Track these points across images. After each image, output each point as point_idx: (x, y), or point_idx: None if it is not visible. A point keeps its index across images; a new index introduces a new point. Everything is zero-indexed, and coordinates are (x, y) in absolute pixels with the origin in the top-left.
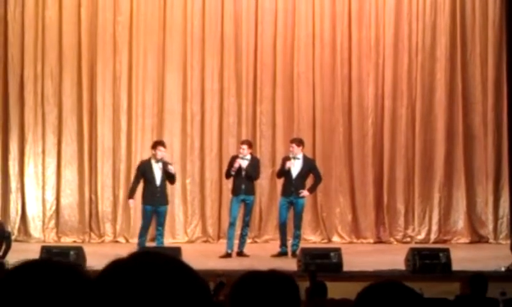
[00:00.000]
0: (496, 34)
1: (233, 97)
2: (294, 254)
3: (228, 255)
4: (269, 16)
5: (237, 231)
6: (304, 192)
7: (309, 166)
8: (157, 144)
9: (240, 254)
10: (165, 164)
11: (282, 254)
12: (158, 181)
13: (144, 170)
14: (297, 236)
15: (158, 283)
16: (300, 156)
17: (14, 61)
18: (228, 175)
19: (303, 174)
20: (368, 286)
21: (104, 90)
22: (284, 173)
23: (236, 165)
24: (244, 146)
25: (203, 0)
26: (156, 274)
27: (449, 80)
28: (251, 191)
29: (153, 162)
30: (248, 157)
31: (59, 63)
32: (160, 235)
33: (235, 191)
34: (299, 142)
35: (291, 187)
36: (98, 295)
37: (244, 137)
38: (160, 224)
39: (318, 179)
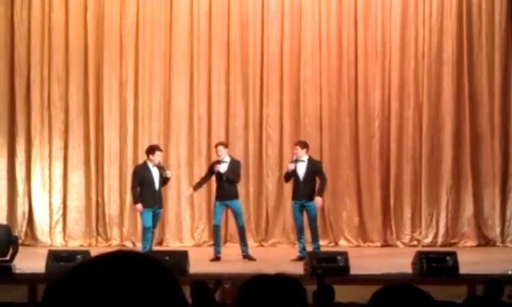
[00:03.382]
0: (502, 37)
1: (240, 101)
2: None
3: (217, 259)
4: (276, 19)
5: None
6: (318, 200)
7: (314, 168)
8: (155, 148)
9: (246, 257)
10: (162, 169)
11: (302, 258)
12: (157, 185)
13: (143, 174)
14: (316, 240)
15: (126, 281)
16: (305, 158)
17: (20, 65)
18: (200, 184)
19: (309, 177)
20: (383, 287)
21: (111, 94)
22: (291, 176)
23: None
24: (221, 147)
25: (210, 4)
26: (123, 272)
27: (456, 83)
28: (234, 195)
29: (150, 166)
30: (227, 159)
31: (66, 67)
32: (152, 238)
33: (218, 196)
34: (303, 145)
35: (299, 190)
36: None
37: (251, 141)
38: (154, 227)
39: (323, 181)
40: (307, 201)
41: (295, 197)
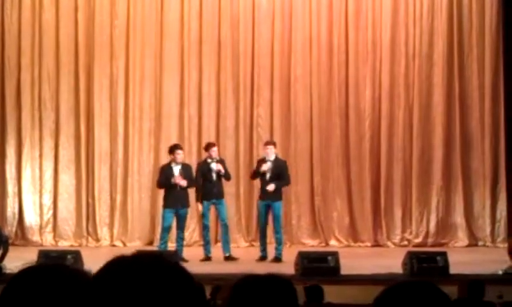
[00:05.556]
0: (493, 37)
1: (231, 100)
2: (278, 259)
3: (207, 258)
4: (266, 19)
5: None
6: (272, 186)
7: (280, 168)
8: (175, 147)
9: (229, 258)
10: (188, 168)
11: (264, 258)
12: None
13: (167, 174)
14: (280, 243)
15: (156, 284)
16: (272, 157)
17: (11, 65)
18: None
19: (275, 177)
20: (398, 283)
21: (101, 94)
22: (260, 175)
23: (222, 172)
24: (215, 148)
25: (200, 4)
26: (154, 275)
27: (446, 83)
28: (222, 194)
29: (173, 165)
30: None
31: (56, 67)
32: (180, 238)
33: (207, 196)
34: (275, 144)
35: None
36: (96, 290)
37: (242, 141)
38: (181, 228)
39: (286, 181)
40: (273, 200)
41: (261, 197)
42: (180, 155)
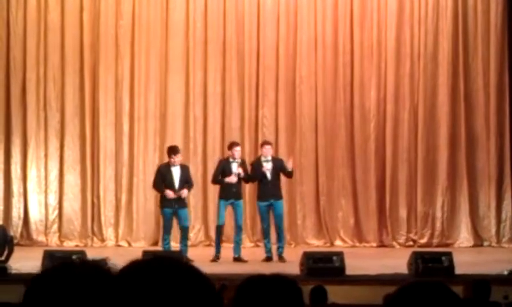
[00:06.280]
0: (498, 38)
1: (236, 101)
2: (281, 258)
3: (217, 258)
4: (271, 20)
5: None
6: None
7: (279, 166)
8: (171, 151)
9: (237, 259)
10: (186, 169)
11: (269, 258)
12: (177, 185)
13: (165, 173)
14: (281, 240)
15: (172, 287)
16: (270, 157)
17: (16, 65)
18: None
19: (276, 176)
20: (411, 283)
21: (106, 94)
22: (261, 177)
23: (242, 175)
24: (238, 148)
25: (205, 4)
26: (173, 277)
27: (451, 84)
28: (240, 195)
29: (171, 166)
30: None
31: (62, 67)
32: (184, 238)
33: (225, 196)
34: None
35: (267, 190)
36: (116, 295)
37: (247, 141)
38: (185, 227)
39: (290, 173)
40: (275, 200)
41: (262, 197)
42: (173, 159)
